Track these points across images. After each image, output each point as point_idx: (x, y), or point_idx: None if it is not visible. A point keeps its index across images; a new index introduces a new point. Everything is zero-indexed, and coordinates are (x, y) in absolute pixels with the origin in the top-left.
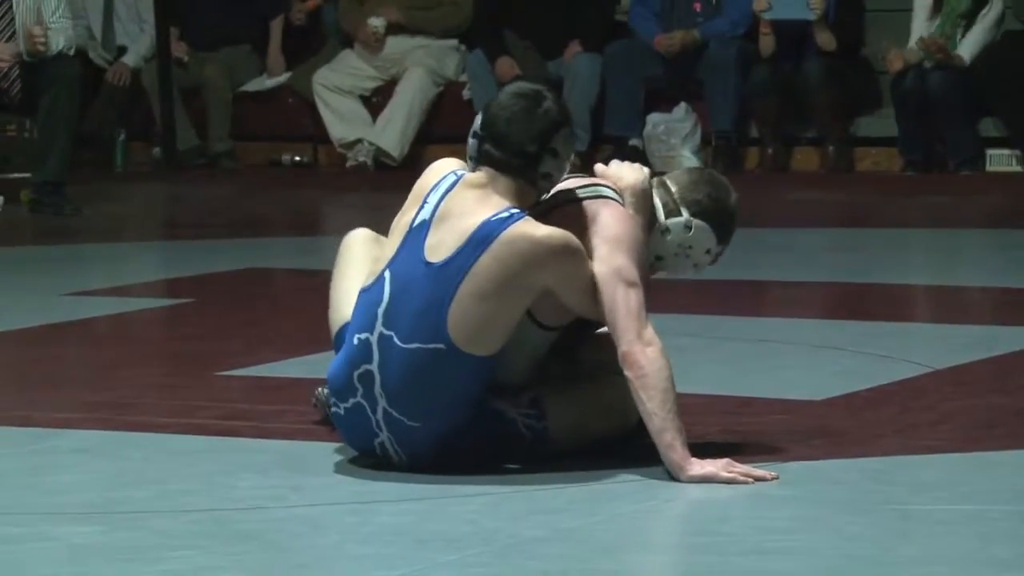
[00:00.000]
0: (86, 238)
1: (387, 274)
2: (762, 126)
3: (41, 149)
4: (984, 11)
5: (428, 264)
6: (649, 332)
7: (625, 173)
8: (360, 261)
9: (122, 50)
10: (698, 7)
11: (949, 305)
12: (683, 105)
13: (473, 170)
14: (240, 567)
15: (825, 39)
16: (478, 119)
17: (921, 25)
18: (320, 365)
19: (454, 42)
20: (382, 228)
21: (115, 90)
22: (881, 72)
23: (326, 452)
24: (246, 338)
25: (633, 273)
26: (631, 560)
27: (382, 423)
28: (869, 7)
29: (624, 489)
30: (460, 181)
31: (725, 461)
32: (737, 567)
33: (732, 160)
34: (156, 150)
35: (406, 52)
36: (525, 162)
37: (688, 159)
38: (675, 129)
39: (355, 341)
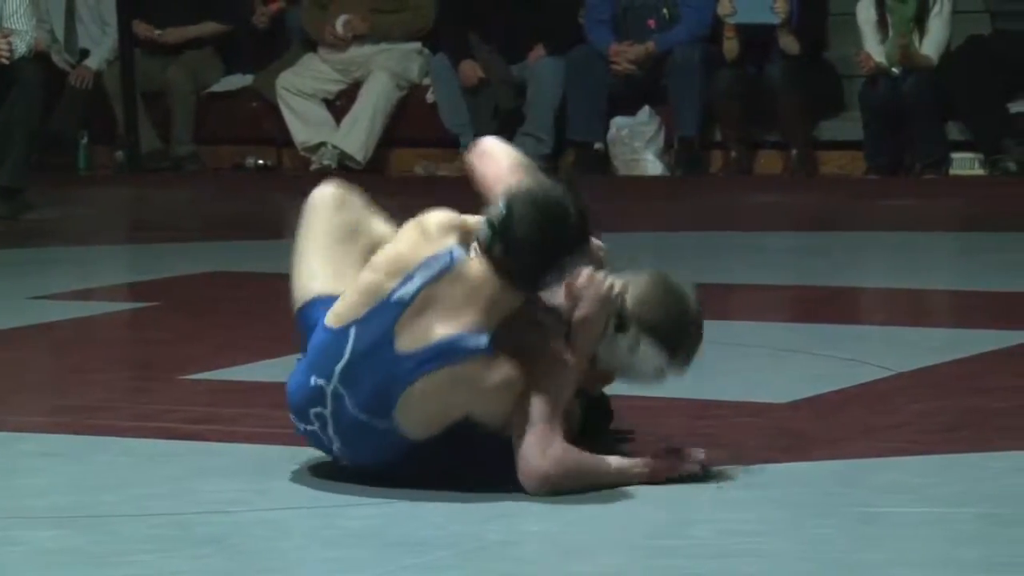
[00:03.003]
0: (50, 241)
1: (352, 331)
2: (726, 129)
3: None
4: (935, 10)
5: (393, 349)
6: (553, 450)
7: (587, 305)
8: (326, 232)
9: (85, 53)
10: (652, 24)
11: (913, 308)
12: (647, 109)
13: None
14: (205, 571)
15: (789, 43)
16: (501, 205)
17: (872, 41)
18: (286, 368)
19: (417, 45)
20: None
21: (78, 93)
22: (845, 76)
23: (291, 456)
24: (211, 342)
25: (556, 426)
26: (597, 564)
27: (340, 455)
28: (832, 11)
29: (589, 492)
30: (453, 268)
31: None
32: (703, 570)
33: (696, 163)
34: (119, 153)
35: (370, 55)
36: (531, 281)
37: (652, 163)
38: (639, 133)
39: (311, 382)
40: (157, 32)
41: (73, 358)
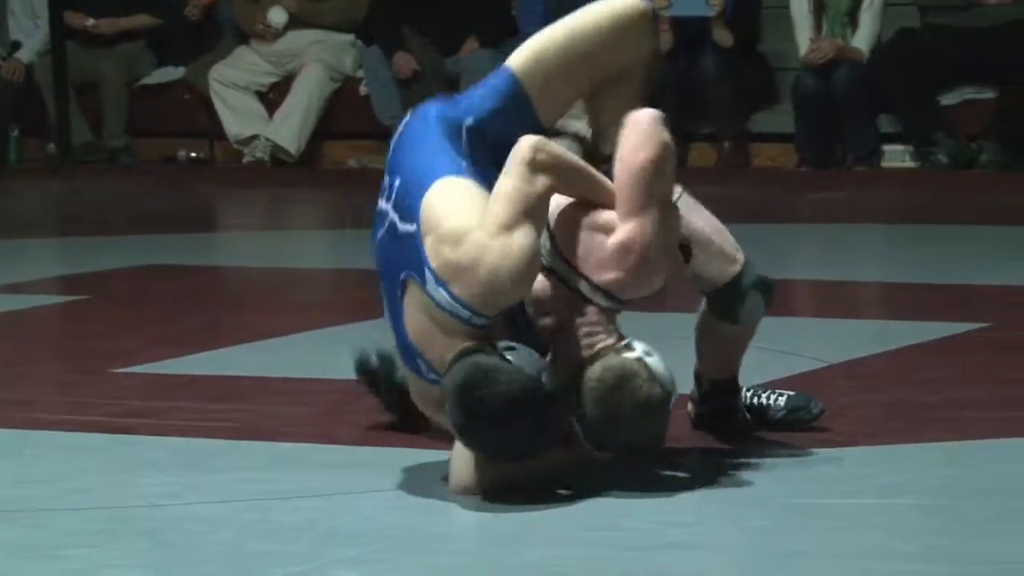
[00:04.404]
0: None
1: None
2: None
3: None
4: (867, 3)
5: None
6: None
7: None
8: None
9: (16, 45)
10: None
11: (845, 300)
12: (579, 101)
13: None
14: (139, 565)
15: (723, 35)
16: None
17: (805, 35)
18: (218, 361)
19: (351, 37)
20: (282, 222)
21: (9, 86)
22: (778, 68)
23: (224, 449)
24: (143, 335)
25: None
26: (534, 555)
27: None
28: (766, 4)
29: (526, 484)
30: (446, 312)
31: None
32: (641, 561)
33: None
34: (51, 146)
35: (303, 47)
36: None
37: None
38: (570, 124)
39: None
40: (90, 22)
41: (3, 352)
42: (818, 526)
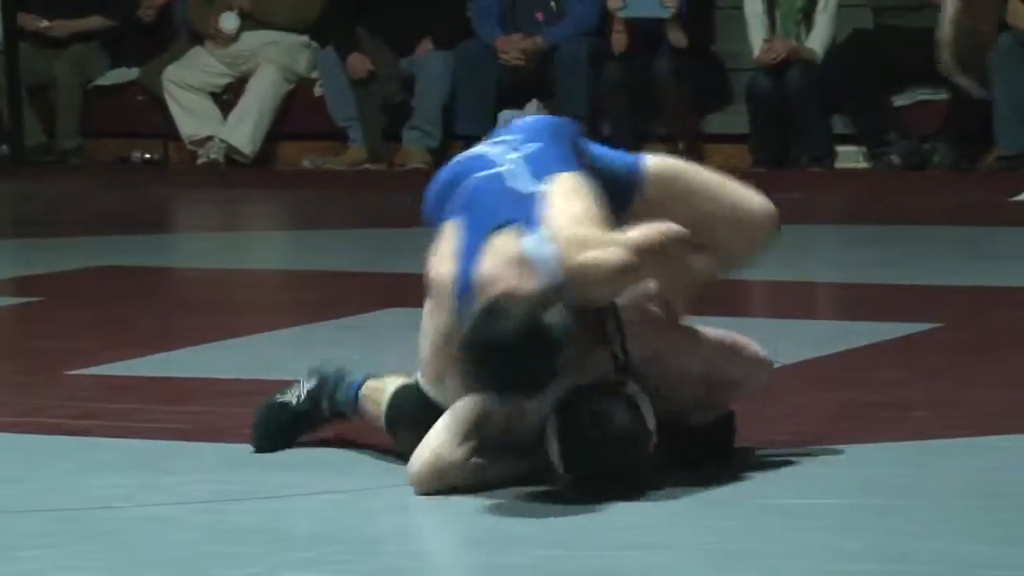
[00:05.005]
0: None
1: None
2: (614, 123)
3: None
4: (821, 5)
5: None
6: None
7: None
8: None
9: None
10: (540, 16)
11: (798, 301)
12: (535, 102)
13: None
14: (93, 566)
15: (677, 37)
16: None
17: (759, 35)
18: (172, 363)
19: (305, 38)
20: (236, 223)
21: None
22: (732, 69)
23: (178, 451)
24: (97, 336)
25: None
26: (492, 557)
27: None
28: (719, 4)
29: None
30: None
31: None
32: (603, 562)
33: None
34: (3, 147)
35: (257, 49)
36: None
37: None
38: None
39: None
40: (43, 23)
41: None
42: (771, 526)
